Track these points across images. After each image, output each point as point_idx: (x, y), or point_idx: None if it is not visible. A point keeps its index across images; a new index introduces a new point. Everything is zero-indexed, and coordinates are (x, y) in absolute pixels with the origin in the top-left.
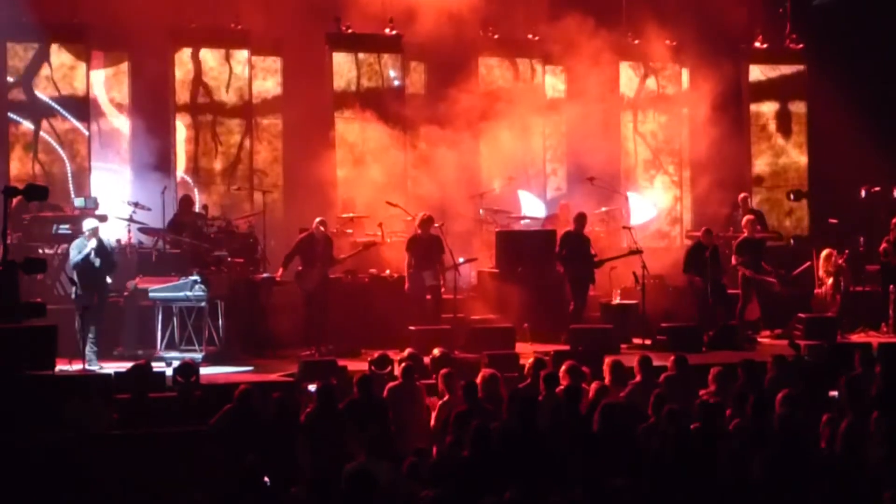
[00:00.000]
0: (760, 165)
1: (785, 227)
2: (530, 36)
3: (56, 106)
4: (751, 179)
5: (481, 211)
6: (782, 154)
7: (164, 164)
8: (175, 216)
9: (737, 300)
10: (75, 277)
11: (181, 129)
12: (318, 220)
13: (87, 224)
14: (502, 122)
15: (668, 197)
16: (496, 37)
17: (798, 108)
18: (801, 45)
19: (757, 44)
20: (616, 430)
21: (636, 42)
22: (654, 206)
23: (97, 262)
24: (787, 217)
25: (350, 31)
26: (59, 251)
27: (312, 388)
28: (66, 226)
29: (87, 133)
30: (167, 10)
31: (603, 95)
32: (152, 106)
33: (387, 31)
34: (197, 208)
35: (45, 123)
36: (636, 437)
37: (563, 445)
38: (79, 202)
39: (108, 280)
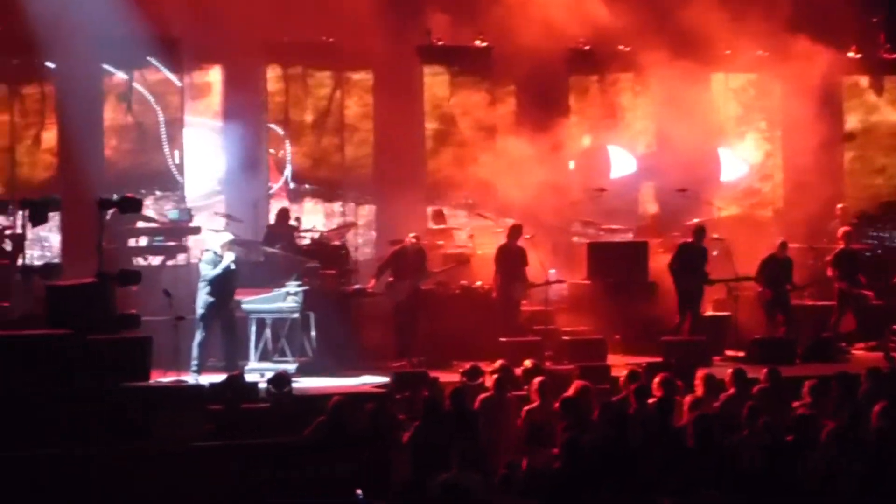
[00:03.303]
0: (852, 122)
1: (876, 186)
2: (621, 47)
3: (148, 56)
4: (842, 136)
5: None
6: (874, 111)
7: (254, 116)
8: (270, 228)
9: (797, 312)
10: (206, 292)
11: (272, 80)
12: (411, 234)
13: (220, 238)
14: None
15: (760, 153)
16: (587, 48)
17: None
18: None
19: (850, 54)
20: (709, 442)
21: (727, 52)
22: (745, 163)
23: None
24: (879, 175)
25: (441, 43)
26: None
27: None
28: (161, 238)
29: (179, 84)
30: (259, 25)
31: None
32: (243, 58)
33: (477, 42)
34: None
35: (137, 74)
36: (729, 450)
37: (655, 458)
38: (172, 214)
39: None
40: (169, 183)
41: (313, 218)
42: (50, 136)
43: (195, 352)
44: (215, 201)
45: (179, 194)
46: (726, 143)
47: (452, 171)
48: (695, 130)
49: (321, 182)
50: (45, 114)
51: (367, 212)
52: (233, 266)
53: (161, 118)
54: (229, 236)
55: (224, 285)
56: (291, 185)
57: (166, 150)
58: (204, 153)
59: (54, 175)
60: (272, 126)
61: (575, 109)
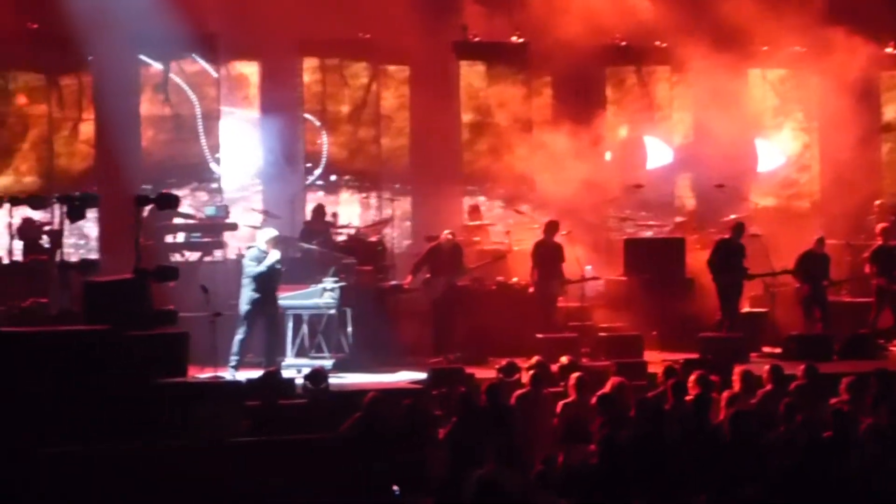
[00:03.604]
0: (890, 113)
1: None
2: (658, 43)
3: (186, 52)
4: (879, 127)
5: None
6: None
7: (291, 110)
8: (306, 224)
9: (834, 309)
10: (251, 289)
11: (308, 70)
12: (446, 231)
13: (265, 235)
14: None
15: (797, 144)
16: (623, 44)
17: None
18: None
19: (889, 49)
20: (745, 438)
21: (765, 49)
22: (782, 154)
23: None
24: None
25: (477, 39)
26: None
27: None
28: (198, 234)
29: (216, 75)
30: (296, 21)
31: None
32: (280, 54)
33: (513, 38)
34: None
35: (174, 65)
36: (765, 446)
37: (691, 454)
38: (209, 210)
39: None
40: (205, 174)
41: (349, 209)
42: (87, 128)
43: (235, 348)
44: (252, 192)
45: (216, 185)
46: (763, 133)
47: (489, 162)
48: (732, 121)
49: (357, 173)
50: (82, 105)
51: (403, 203)
52: (278, 265)
53: (198, 109)
54: (274, 232)
55: (268, 282)
56: (332, 178)
57: (203, 141)
58: (240, 144)
59: (91, 166)
60: (308, 117)
61: (612, 100)
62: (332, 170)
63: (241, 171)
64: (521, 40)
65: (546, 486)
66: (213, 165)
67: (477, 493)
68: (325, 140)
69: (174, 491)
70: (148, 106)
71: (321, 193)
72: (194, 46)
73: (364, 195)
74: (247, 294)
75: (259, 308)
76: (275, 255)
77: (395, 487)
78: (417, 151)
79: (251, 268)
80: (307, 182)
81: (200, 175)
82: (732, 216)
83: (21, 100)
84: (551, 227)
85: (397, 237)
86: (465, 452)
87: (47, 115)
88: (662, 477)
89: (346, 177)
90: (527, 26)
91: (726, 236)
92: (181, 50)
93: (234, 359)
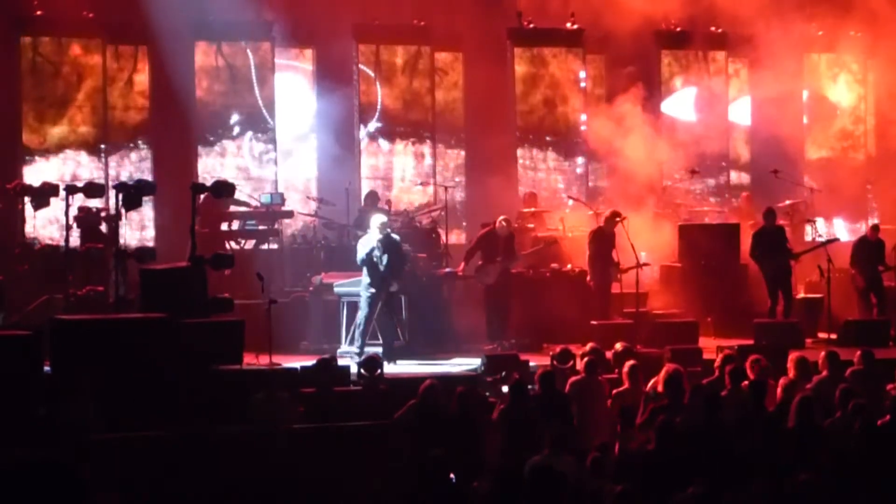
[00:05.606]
0: None
1: None
2: (713, 28)
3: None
4: None
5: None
6: None
7: (346, 58)
8: (361, 210)
9: (890, 294)
10: (365, 275)
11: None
12: (501, 217)
13: (376, 220)
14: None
15: (852, 96)
16: (679, 29)
17: None
18: None
19: None
20: (810, 424)
21: (820, 33)
22: (836, 105)
23: (384, 258)
24: None
25: (531, 25)
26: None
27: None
28: (254, 221)
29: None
30: (350, 8)
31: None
32: (334, 36)
33: (568, 25)
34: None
35: None
36: (821, 432)
37: (748, 440)
38: (265, 198)
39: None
40: (260, 125)
41: (403, 159)
42: (142, 79)
43: (356, 335)
44: (307, 145)
45: (270, 136)
46: (818, 85)
47: (543, 114)
48: (787, 75)
49: (412, 124)
50: (137, 56)
51: (456, 155)
52: (379, 248)
53: (252, 60)
54: (383, 217)
55: (377, 267)
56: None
57: (257, 91)
58: (295, 96)
59: (146, 118)
60: (363, 68)
61: (666, 52)
62: (386, 121)
63: (295, 123)
64: (575, 27)
65: (601, 472)
66: (267, 116)
67: (532, 479)
68: (378, 91)
69: (229, 476)
70: (202, 57)
71: (377, 143)
72: (248, 33)
73: (418, 146)
74: (362, 280)
75: (377, 293)
76: (374, 237)
77: (451, 475)
78: (471, 105)
79: (358, 253)
80: (362, 133)
81: (255, 126)
82: (787, 202)
83: (75, 50)
84: (613, 217)
85: (451, 187)
86: (518, 439)
87: (102, 66)
88: (718, 463)
89: (401, 128)
90: (582, 12)
91: (761, 224)
92: (236, 37)
93: (356, 344)
